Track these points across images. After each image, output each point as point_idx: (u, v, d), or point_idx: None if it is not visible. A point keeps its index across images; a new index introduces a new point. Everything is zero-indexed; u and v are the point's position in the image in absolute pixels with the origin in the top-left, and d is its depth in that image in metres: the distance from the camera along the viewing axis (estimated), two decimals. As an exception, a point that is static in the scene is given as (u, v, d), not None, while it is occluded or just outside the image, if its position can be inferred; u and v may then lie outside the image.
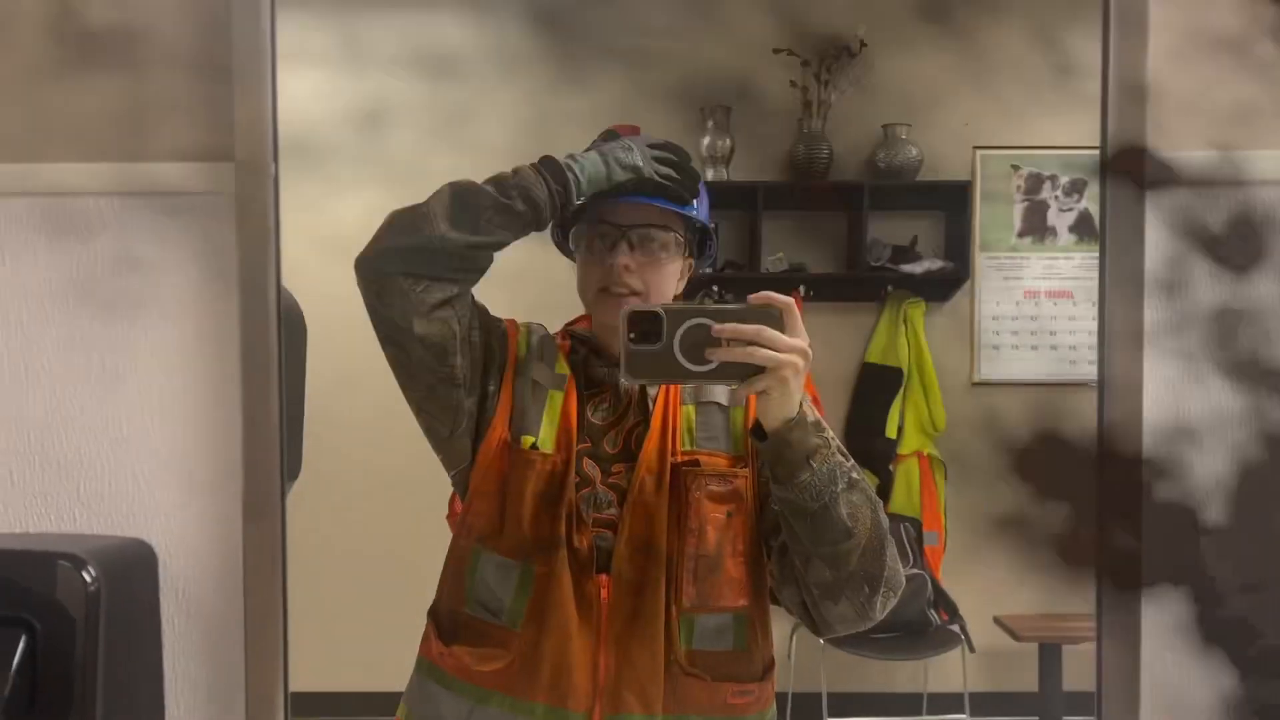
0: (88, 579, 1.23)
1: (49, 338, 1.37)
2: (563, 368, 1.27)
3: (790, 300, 1.05)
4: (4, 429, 1.38)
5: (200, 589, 1.38)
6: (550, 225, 1.25)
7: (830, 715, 3.61)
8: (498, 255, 1.21)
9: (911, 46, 3.77)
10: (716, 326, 1.04)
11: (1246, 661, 1.33)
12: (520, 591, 1.21)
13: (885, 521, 1.14)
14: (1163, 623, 1.35)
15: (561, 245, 1.34)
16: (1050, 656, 3.28)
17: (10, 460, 1.38)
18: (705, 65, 3.77)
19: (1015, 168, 3.91)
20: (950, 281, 3.86)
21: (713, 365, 1.05)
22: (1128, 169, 1.29)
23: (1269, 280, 1.33)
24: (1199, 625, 1.33)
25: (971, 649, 3.54)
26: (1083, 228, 3.85)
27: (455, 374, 1.21)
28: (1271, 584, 1.33)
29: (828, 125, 3.78)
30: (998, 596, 3.67)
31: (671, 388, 1.25)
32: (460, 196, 1.17)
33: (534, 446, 1.22)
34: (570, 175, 1.19)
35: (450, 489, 1.32)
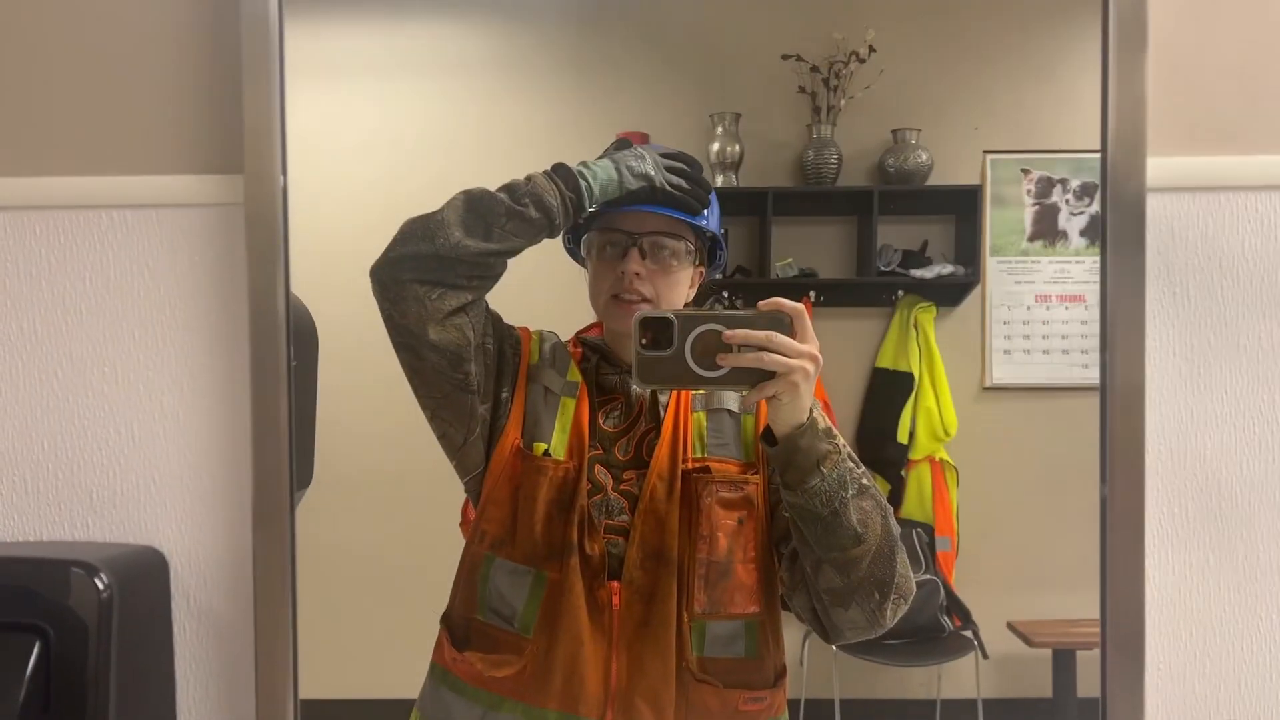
0: (100, 586, 1.24)
1: (61, 348, 1.38)
2: (574, 375, 1.27)
3: (800, 306, 1.05)
4: (19, 438, 1.38)
5: (211, 596, 1.39)
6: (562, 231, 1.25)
7: (842, 722, 3.60)
8: (510, 262, 1.21)
9: (920, 51, 3.76)
10: (728, 332, 1.04)
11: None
12: (532, 598, 1.21)
13: (896, 527, 1.13)
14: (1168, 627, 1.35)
15: (573, 251, 1.35)
16: (1064, 662, 3.26)
17: (25, 469, 1.39)
18: (714, 72, 3.77)
19: (1025, 171, 3.90)
20: (961, 286, 3.84)
21: (724, 371, 1.05)
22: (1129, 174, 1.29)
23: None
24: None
25: (985, 655, 3.52)
26: (1094, 232, 3.82)
27: (469, 381, 1.21)
28: None
29: (837, 130, 3.77)
30: (1011, 602, 3.64)
31: (682, 395, 1.25)
32: (473, 204, 1.17)
33: (546, 453, 1.23)
34: (583, 182, 1.19)
35: (463, 496, 1.32)
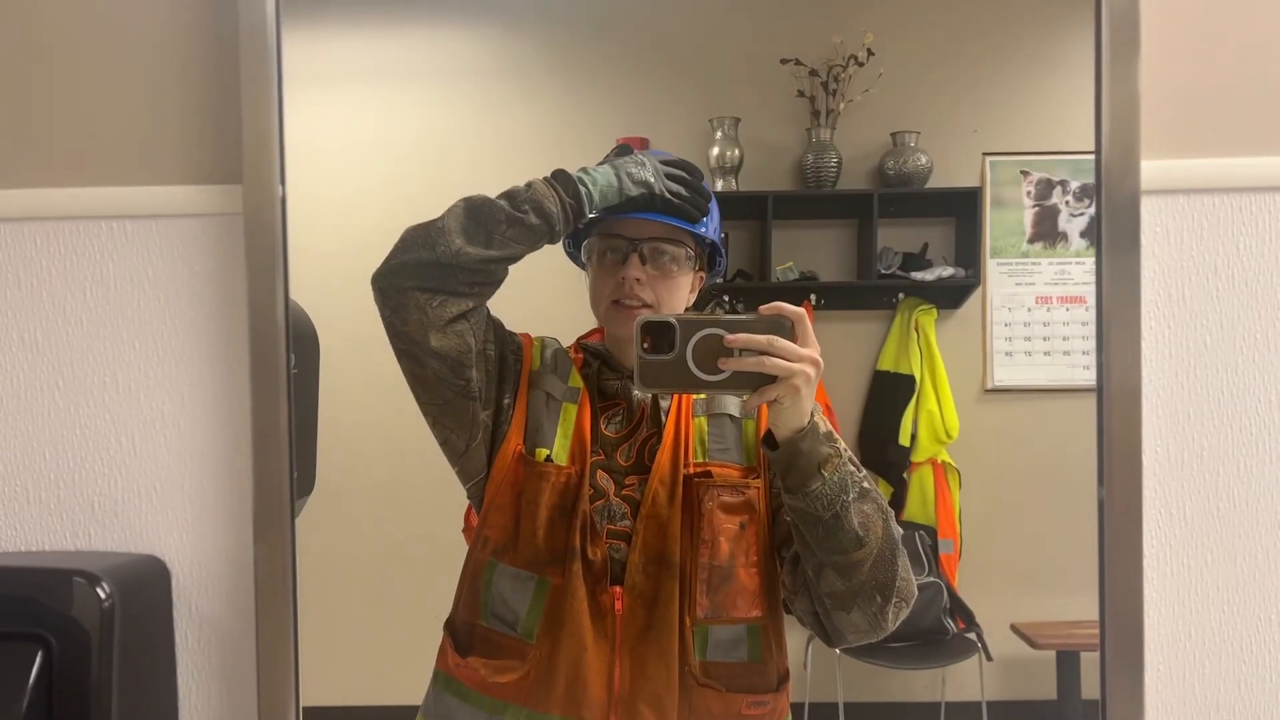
0: (102, 595, 1.24)
1: (62, 359, 1.38)
2: (576, 381, 1.27)
3: (801, 310, 1.05)
4: (20, 448, 1.39)
5: (212, 604, 1.39)
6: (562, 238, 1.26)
7: (846, 726, 3.59)
8: (511, 268, 1.21)
9: (919, 54, 3.77)
10: (729, 336, 1.04)
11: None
12: (535, 603, 1.21)
13: (897, 531, 1.14)
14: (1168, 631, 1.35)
15: (574, 256, 1.35)
16: (1068, 664, 3.25)
17: (26, 479, 1.39)
18: (714, 76, 3.78)
19: (1025, 173, 3.90)
20: (962, 288, 3.84)
21: (725, 375, 1.05)
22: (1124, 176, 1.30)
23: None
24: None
25: (989, 657, 3.51)
26: (1094, 233, 3.83)
27: (470, 387, 1.21)
28: None
29: (836, 134, 3.78)
30: (1014, 604, 3.64)
31: (683, 400, 1.26)
32: (474, 211, 1.18)
33: (548, 459, 1.23)
34: (583, 188, 1.20)
35: (465, 502, 1.32)
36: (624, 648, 1.20)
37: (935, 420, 3.87)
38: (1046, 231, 3.91)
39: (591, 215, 1.22)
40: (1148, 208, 1.32)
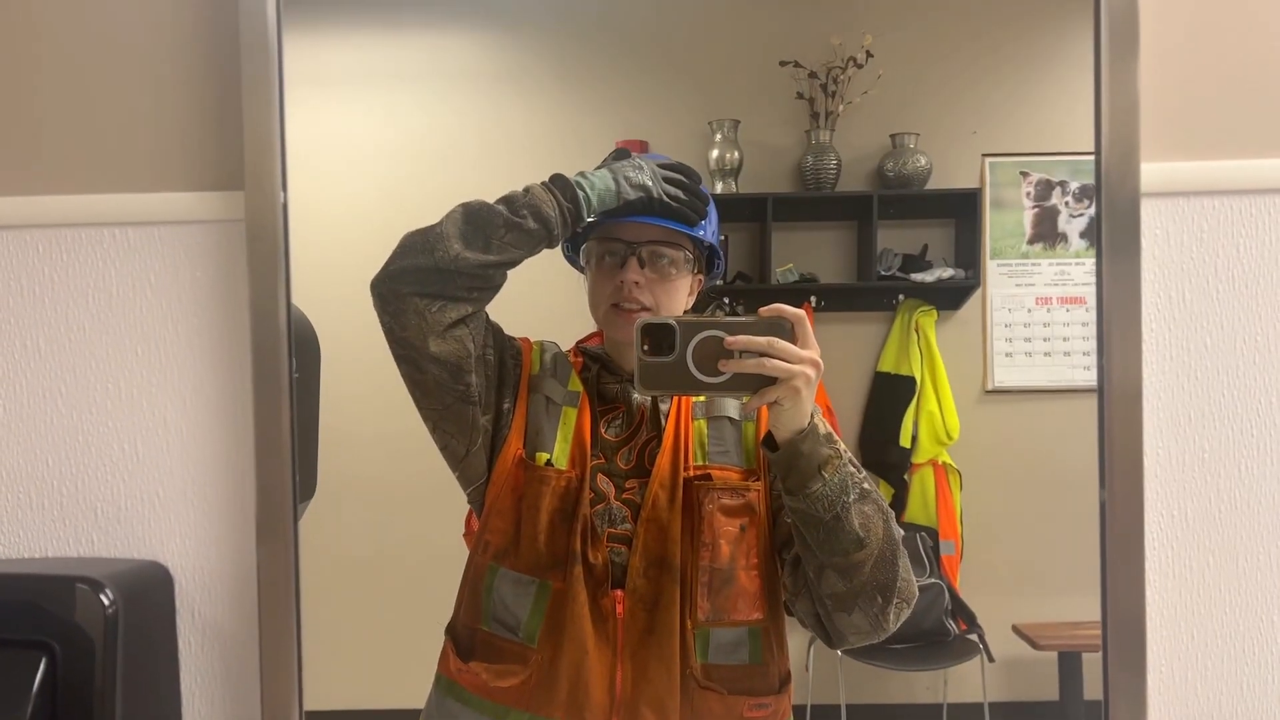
0: (106, 601, 1.24)
1: (65, 365, 1.38)
2: (575, 384, 1.27)
3: (801, 312, 1.05)
4: (23, 454, 1.39)
5: (215, 610, 1.39)
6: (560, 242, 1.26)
7: (849, 727, 3.59)
8: (510, 272, 1.21)
9: (918, 56, 3.77)
10: (729, 338, 1.04)
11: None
12: (536, 608, 1.22)
13: (897, 531, 1.14)
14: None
15: (572, 259, 1.35)
16: (1070, 665, 3.25)
17: (29, 485, 1.39)
18: (712, 79, 3.78)
19: (1024, 174, 3.90)
20: (962, 289, 3.84)
21: (725, 377, 1.05)
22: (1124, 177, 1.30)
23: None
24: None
25: (990, 658, 3.51)
26: (1094, 234, 3.83)
27: (470, 392, 1.21)
28: None
29: (835, 136, 3.78)
30: (1016, 605, 3.64)
31: (683, 403, 1.26)
32: (472, 216, 1.18)
33: (549, 463, 1.23)
34: (580, 193, 1.20)
35: (466, 507, 1.32)
36: (625, 651, 1.20)
37: (936, 421, 3.86)
38: (1046, 232, 3.90)
39: (589, 219, 1.22)
40: (1148, 210, 1.32)
